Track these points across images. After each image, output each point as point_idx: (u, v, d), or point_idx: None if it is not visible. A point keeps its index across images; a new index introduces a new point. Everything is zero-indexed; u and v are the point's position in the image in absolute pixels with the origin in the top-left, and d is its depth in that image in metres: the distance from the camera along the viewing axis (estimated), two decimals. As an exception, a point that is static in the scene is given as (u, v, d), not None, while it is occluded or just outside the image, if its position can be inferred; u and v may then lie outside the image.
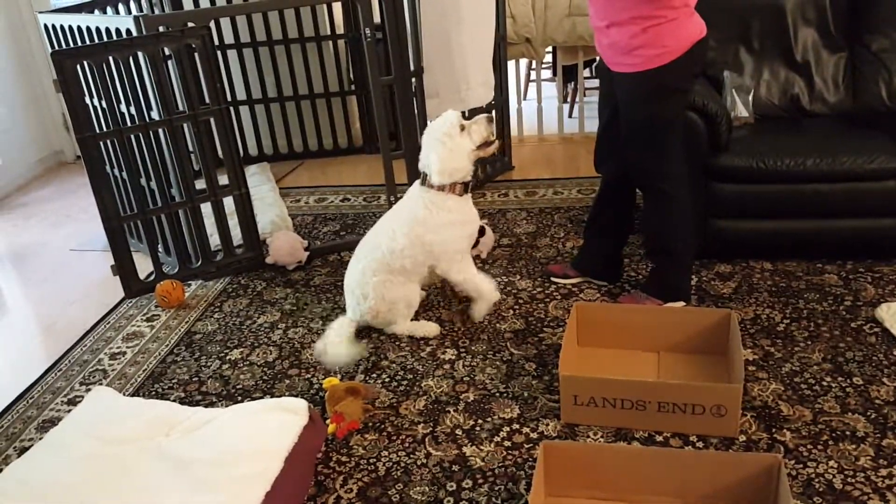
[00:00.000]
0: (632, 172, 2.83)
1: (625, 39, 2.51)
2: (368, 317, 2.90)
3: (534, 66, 5.42)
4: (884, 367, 2.51)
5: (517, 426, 2.40)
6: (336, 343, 2.81)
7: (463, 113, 2.90)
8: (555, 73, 5.52)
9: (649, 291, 2.93)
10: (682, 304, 2.90)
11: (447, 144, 2.76)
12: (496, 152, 3.00)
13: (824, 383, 2.46)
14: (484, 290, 2.92)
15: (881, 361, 2.54)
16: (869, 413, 2.31)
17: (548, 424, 2.39)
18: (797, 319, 2.82)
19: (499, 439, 2.34)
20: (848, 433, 2.23)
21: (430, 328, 2.92)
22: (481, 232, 3.51)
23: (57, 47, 3.68)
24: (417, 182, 2.89)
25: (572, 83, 5.65)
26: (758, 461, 1.94)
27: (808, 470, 2.11)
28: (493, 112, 2.95)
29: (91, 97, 3.46)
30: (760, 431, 2.28)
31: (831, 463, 2.13)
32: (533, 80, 5.66)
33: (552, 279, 3.22)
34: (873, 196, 3.00)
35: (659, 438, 2.28)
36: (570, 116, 5.65)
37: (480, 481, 2.18)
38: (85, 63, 3.28)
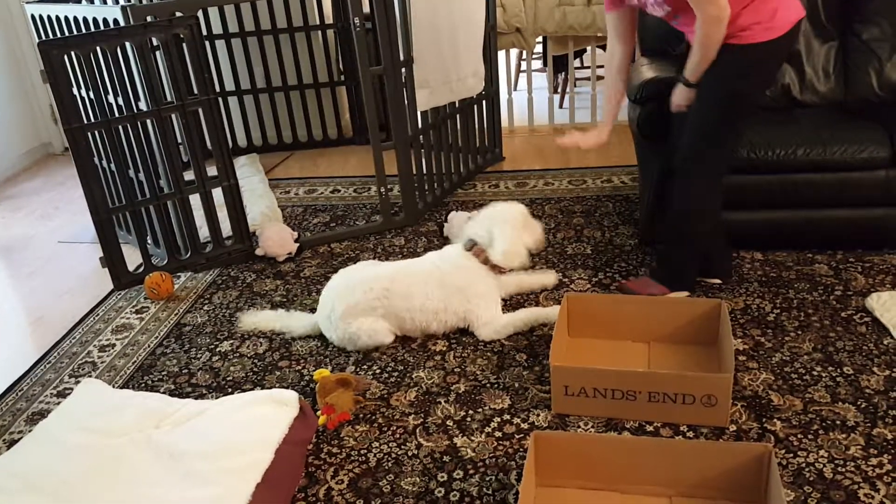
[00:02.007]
0: (688, 152, 2.71)
1: (741, 18, 2.47)
2: (344, 342, 2.83)
3: (524, 56, 5.42)
4: (874, 356, 2.52)
5: (508, 417, 2.39)
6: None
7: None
8: (545, 64, 5.51)
9: (657, 277, 2.92)
10: (685, 294, 2.89)
11: (517, 230, 2.81)
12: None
13: (814, 373, 2.47)
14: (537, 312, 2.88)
15: (871, 351, 2.55)
16: (859, 402, 2.32)
17: (538, 415, 2.39)
18: (787, 309, 2.83)
19: (490, 430, 2.34)
20: (838, 422, 2.24)
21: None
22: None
23: (44, 37, 3.64)
24: (454, 246, 2.93)
25: (563, 73, 5.64)
26: (748, 451, 1.94)
27: (798, 459, 2.12)
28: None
29: (78, 88, 3.43)
30: (751, 421, 2.28)
31: (821, 452, 2.13)
32: (523, 71, 5.65)
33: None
34: (864, 186, 3.00)
35: (649, 428, 2.29)
36: (560, 107, 5.64)
37: (471, 472, 2.18)
38: (72, 53, 3.25)
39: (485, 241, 2.83)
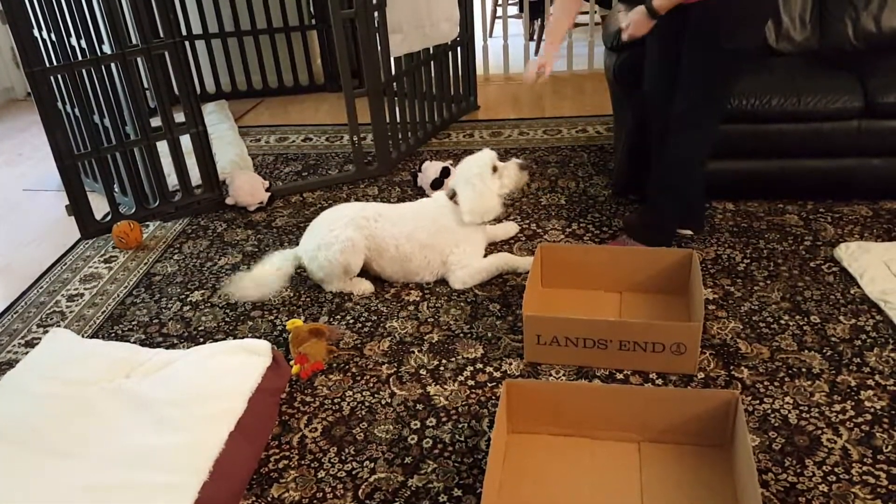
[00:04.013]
0: (683, 103, 2.64)
1: None
2: (314, 265, 2.83)
3: (500, 1, 5.32)
4: (840, 305, 2.56)
5: (481, 366, 2.41)
6: (268, 273, 2.83)
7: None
8: (521, 10, 5.42)
9: (637, 236, 2.88)
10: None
11: (477, 187, 2.77)
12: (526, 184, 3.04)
13: (782, 322, 2.51)
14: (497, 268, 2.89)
15: (838, 300, 2.59)
16: (825, 350, 2.36)
17: (511, 364, 2.40)
18: (757, 259, 2.85)
19: (462, 378, 2.36)
20: (804, 370, 2.28)
21: (364, 286, 2.85)
22: (446, 173, 3.47)
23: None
24: (443, 193, 2.91)
25: (539, 20, 5.56)
26: (716, 397, 1.97)
27: (764, 406, 2.16)
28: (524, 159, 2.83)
29: (39, 30, 3.31)
30: (719, 369, 2.32)
31: (787, 399, 2.18)
32: (499, 17, 5.56)
33: None
34: (836, 136, 3.02)
35: (619, 376, 2.32)
36: (536, 54, 5.57)
37: (444, 419, 2.20)
38: (31, -7, 3.13)
39: (460, 202, 2.82)
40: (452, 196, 2.84)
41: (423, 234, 2.81)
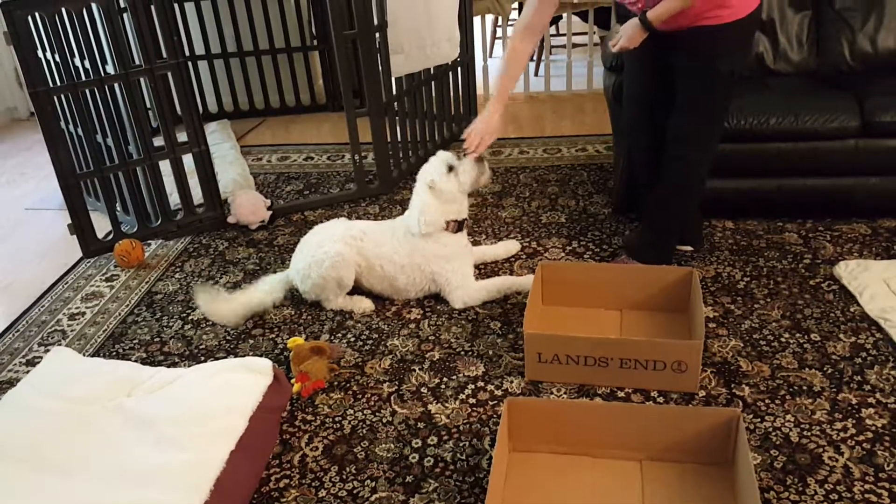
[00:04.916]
0: (681, 129, 2.66)
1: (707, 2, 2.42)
2: (308, 284, 2.83)
3: (500, 22, 5.36)
4: (840, 323, 2.57)
5: (482, 384, 2.41)
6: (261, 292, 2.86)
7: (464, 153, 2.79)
8: (521, 31, 5.45)
9: (637, 255, 2.89)
10: None
11: (427, 194, 2.73)
12: (487, 183, 2.99)
13: (782, 339, 2.51)
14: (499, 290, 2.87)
15: (838, 318, 2.59)
16: (825, 368, 2.36)
17: (512, 382, 2.40)
18: (757, 277, 2.86)
19: (464, 397, 2.36)
20: (805, 388, 2.28)
21: (364, 304, 2.86)
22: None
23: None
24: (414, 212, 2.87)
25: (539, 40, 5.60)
26: (717, 415, 1.97)
27: (765, 424, 2.16)
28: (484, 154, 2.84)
29: (44, 50, 3.34)
30: (720, 387, 2.32)
31: (788, 417, 2.18)
32: (499, 37, 5.60)
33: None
34: (834, 155, 3.03)
35: (621, 394, 2.32)
36: (535, 75, 5.61)
37: (445, 438, 2.20)
38: (37, 14, 3.16)
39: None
40: None
41: (399, 256, 2.80)
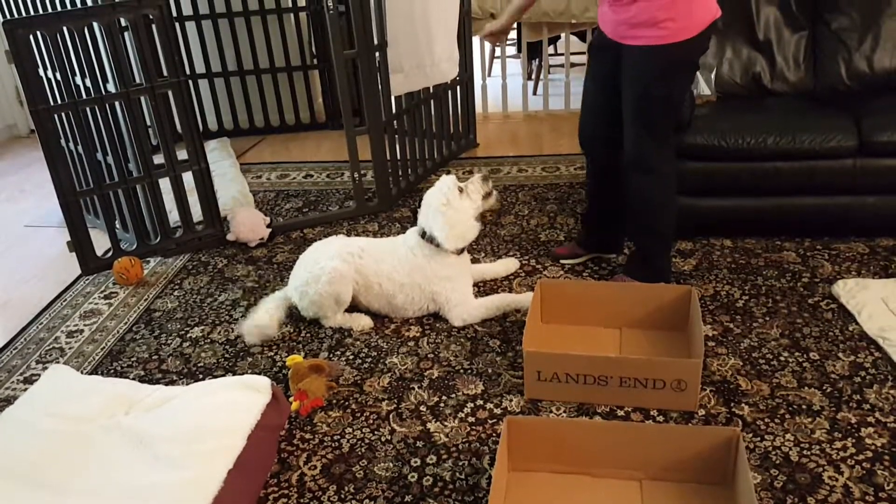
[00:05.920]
0: (630, 150, 2.71)
1: (652, 11, 2.44)
2: (305, 301, 2.83)
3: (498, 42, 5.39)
4: (839, 342, 2.57)
5: (481, 402, 2.40)
6: (263, 321, 2.81)
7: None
8: (519, 50, 5.50)
9: (632, 274, 2.90)
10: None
11: (447, 213, 2.75)
12: (496, 207, 3.04)
13: (782, 358, 2.51)
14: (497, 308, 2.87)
15: (837, 337, 2.59)
16: (825, 387, 2.36)
17: (511, 400, 2.40)
18: (756, 296, 2.86)
19: (463, 415, 2.35)
20: (804, 407, 2.28)
21: (363, 321, 2.86)
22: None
23: (9, 16, 3.56)
24: (415, 230, 2.87)
25: (537, 60, 5.64)
26: (717, 434, 1.97)
27: (765, 443, 2.15)
28: (486, 171, 2.85)
29: (45, 69, 3.36)
30: (719, 405, 2.31)
31: (788, 436, 2.17)
32: (497, 57, 5.63)
33: (561, 261, 3.19)
34: (832, 174, 3.05)
35: (620, 413, 2.31)
36: (534, 93, 5.65)
37: (445, 457, 2.19)
38: (38, 33, 3.18)
39: (433, 233, 2.80)
40: (423, 234, 2.82)
41: (399, 274, 2.81)
